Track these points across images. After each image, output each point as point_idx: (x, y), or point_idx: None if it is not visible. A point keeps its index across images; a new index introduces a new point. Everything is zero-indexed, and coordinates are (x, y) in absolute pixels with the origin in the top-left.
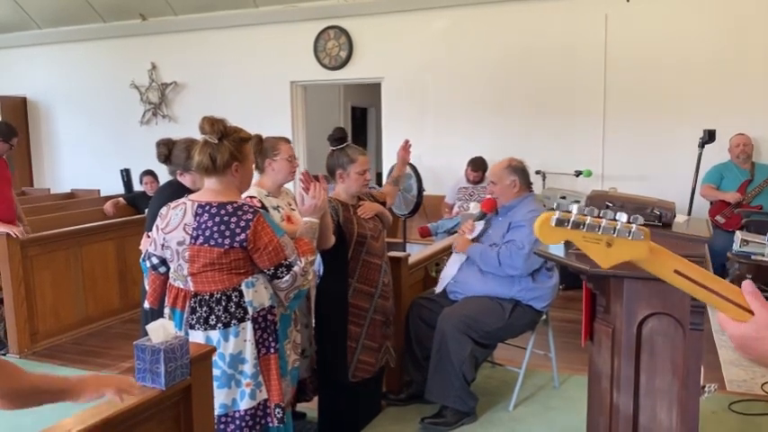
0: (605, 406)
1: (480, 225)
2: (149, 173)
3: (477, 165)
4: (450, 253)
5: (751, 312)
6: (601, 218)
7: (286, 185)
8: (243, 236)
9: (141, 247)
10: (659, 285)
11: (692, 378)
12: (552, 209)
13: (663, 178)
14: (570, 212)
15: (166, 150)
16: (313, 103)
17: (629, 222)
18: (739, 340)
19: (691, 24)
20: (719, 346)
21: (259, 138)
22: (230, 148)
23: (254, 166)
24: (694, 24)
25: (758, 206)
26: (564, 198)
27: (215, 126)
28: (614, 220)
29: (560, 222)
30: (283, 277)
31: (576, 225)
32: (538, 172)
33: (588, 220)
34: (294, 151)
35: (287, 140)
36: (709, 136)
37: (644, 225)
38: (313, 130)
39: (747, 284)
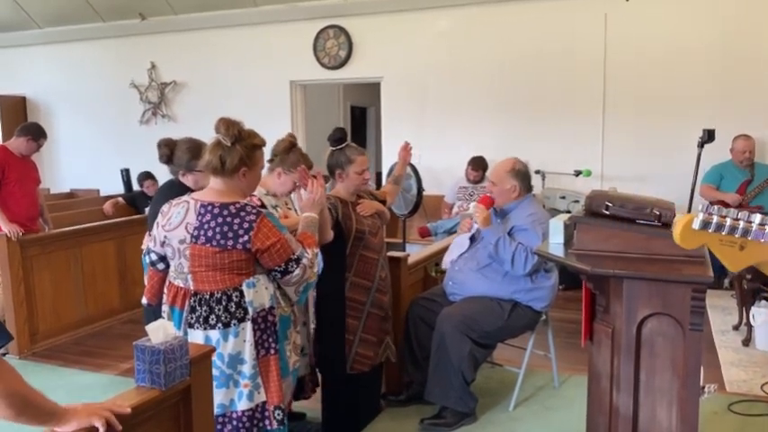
0: (605, 406)
1: (476, 225)
2: (149, 176)
3: (478, 164)
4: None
5: None
6: (738, 219)
7: None
8: (246, 237)
9: (143, 247)
10: (659, 286)
11: (691, 378)
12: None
13: (662, 178)
14: (712, 214)
15: (168, 151)
16: (312, 102)
17: (761, 225)
18: None
19: (690, 24)
20: (719, 346)
21: (292, 144)
22: (241, 154)
23: (264, 168)
24: (694, 24)
25: (758, 206)
26: (563, 198)
27: (230, 129)
28: (749, 221)
29: (704, 225)
30: (294, 271)
31: (719, 227)
32: (537, 171)
33: (728, 221)
34: (306, 177)
35: (310, 165)
36: (709, 136)
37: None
38: (312, 130)
39: None
